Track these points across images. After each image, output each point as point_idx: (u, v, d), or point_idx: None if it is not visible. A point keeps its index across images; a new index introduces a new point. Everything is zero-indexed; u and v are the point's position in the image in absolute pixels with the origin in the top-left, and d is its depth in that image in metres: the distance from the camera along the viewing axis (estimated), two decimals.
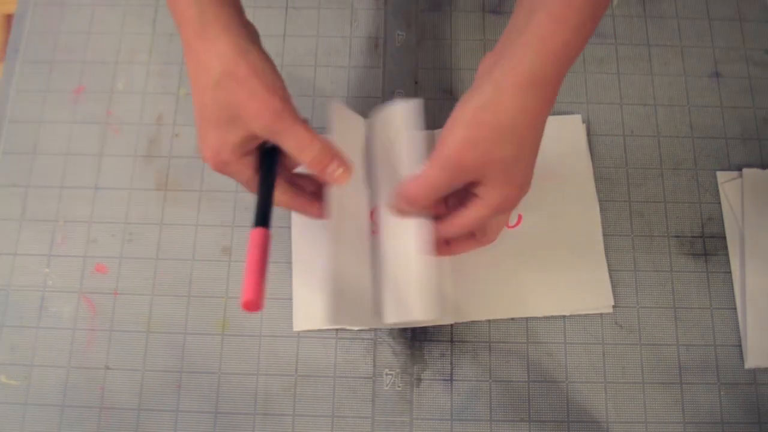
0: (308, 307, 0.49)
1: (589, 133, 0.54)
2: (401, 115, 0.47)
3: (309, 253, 0.50)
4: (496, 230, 0.45)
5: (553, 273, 0.49)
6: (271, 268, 0.50)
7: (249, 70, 0.38)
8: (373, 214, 0.49)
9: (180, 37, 0.40)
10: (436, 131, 0.53)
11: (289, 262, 0.50)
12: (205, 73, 0.38)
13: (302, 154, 0.39)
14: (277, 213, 0.51)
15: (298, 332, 0.49)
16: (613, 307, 0.49)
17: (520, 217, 0.51)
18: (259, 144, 0.40)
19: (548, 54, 0.38)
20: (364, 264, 0.48)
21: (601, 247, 0.50)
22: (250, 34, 0.41)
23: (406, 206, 0.44)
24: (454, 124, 0.40)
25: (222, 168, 0.40)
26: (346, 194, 0.46)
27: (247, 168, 0.40)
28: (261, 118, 0.38)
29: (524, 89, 0.39)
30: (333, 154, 0.40)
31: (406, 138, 0.46)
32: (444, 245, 0.46)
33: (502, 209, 0.42)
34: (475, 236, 0.46)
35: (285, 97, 0.39)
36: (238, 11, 0.41)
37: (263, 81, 0.38)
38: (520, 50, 0.39)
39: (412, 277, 0.43)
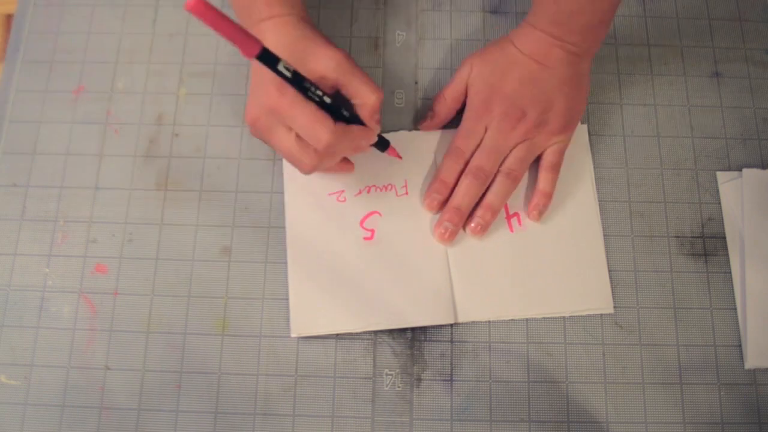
0: (305, 312, 0.49)
1: (589, 133, 0.54)
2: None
3: (304, 257, 0.50)
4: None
5: (554, 274, 0.49)
6: (270, 268, 0.50)
7: (315, 33, 0.44)
8: (364, 220, 0.50)
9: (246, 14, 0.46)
10: (442, 132, 0.53)
11: (287, 263, 0.50)
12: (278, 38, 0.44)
13: (366, 95, 0.43)
14: (272, 213, 0.51)
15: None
16: (613, 307, 0.49)
17: (520, 219, 0.51)
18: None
19: (550, 15, 0.47)
20: (358, 268, 0.49)
21: (601, 248, 0.50)
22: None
23: (438, 108, 0.53)
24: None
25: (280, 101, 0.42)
26: (335, 205, 0.50)
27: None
28: (334, 58, 0.43)
29: (526, 36, 0.49)
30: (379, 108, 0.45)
31: None
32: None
33: (506, 133, 0.49)
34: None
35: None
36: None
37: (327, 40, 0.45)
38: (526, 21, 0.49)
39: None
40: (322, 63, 0.43)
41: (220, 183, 0.52)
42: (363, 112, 0.44)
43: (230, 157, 0.53)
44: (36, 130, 0.54)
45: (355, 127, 0.44)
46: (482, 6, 0.58)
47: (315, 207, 0.51)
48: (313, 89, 0.41)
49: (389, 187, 0.51)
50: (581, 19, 0.47)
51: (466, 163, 0.50)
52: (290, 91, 0.41)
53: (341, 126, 0.42)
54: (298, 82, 0.40)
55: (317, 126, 0.41)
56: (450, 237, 0.49)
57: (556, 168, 0.50)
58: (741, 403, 0.47)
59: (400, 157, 0.51)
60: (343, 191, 0.51)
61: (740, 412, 0.47)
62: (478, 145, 0.50)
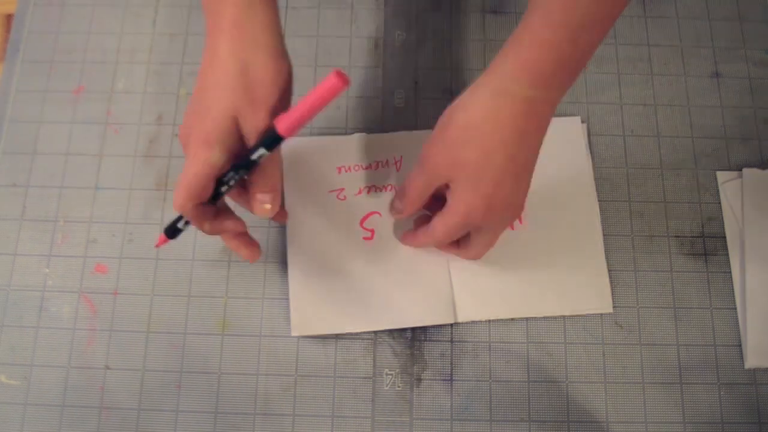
0: (306, 312, 0.49)
1: (589, 133, 0.54)
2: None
3: (305, 256, 0.50)
4: (477, 247, 0.45)
5: (553, 274, 0.49)
6: (270, 268, 0.50)
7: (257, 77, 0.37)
8: (364, 220, 0.50)
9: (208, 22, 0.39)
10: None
11: (287, 262, 0.50)
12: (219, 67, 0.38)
13: (265, 174, 0.39)
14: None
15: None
16: (613, 306, 0.49)
17: (521, 217, 0.51)
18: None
19: (523, 65, 0.38)
20: (358, 268, 0.49)
21: (601, 248, 0.50)
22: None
23: (399, 206, 0.46)
24: (435, 125, 0.41)
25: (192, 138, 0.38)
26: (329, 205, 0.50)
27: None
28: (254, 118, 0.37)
29: (498, 94, 0.38)
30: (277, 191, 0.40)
31: None
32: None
33: (468, 220, 0.41)
34: (459, 245, 0.46)
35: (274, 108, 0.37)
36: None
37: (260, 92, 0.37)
38: (499, 59, 0.39)
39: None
40: (249, 125, 0.37)
41: None
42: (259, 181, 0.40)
43: None
44: (36, 130, 0.54)
45: (228, 221, 0.41)
46: (482, 6, 0.58)
47: (315, 206, 0.51)
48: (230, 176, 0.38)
49: (389, 187, 0.51)
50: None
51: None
52: (199, 141, 0.37)
53: (210, 209, 0.40)
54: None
55: (180, 190, 0.38)
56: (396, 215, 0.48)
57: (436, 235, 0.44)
58: (741, 403, 0.48)
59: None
60: (343, 189, 0.51)
61: (740, 412, 0.47)
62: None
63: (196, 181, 0.37)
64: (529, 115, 0.39)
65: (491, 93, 0.39)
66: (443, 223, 0.43)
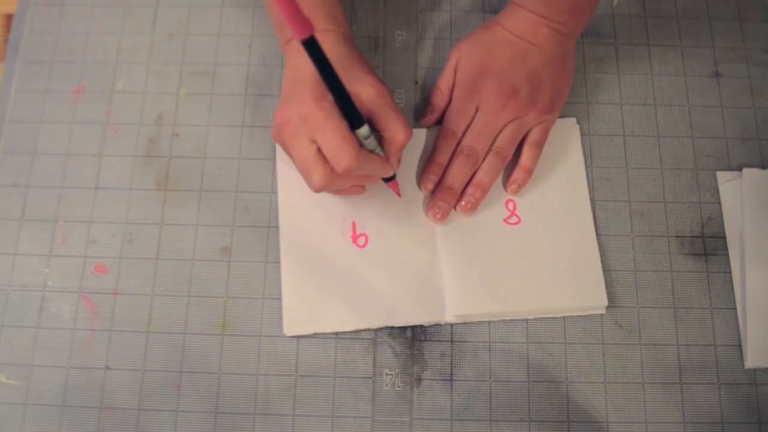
0: (298, 311, 0.49)
1: (589, 133, 0.54)
2: None
3: (297, 255, 0.50)
4: (519, 146, 0.51)
5: (546, 271, 0.49)
6: (270, 268, 0.50)
7: (360, 56, 0.46)
8: (356, 218, 0.50)
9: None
10: (428, 131, 0.54)
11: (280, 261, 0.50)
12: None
13: (398, 132, 0.43)
14: (272, 213, 0.51)
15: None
16: (613, 307, 0.49)
17: (518, 217, 0.51)
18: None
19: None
20: (350, 267, 0.49)
21: (594, 245, 0.50)
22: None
23: (434, 100, 0.52)
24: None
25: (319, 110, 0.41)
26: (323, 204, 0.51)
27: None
28: (376, 88, 0.42)
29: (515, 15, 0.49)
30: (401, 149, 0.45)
31: None
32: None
33: (497, 112, 0.48)
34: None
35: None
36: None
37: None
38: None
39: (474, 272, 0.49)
40: (363, 89, 0.42)
41: (220, 183, 0.52)
42: (390, 147, 0.44)
43: (230, 157, 0.53)
44: (36, 130, 0.54)
45: (376, 158, 0.43)
46: (482, 6, 0.58)
47: (308, 205, 0.51)
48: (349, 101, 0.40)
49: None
50: None
51: (458, 143, 0.50)
52: (326, 106, 0.40)
53: (365, 153, 0.41)
54: (338, 88, 0.39)
55: (343, 147, 0.40)
56: (443, 217, 0.49)
57: (540, 145, 0.51)
58: (741, 403, 0.47)
59: (400, 194, 0.50)
60: None
61: (740, 412, 0.47)
62: (469, 124, 0.50)
63: (341, 125, 0.40)
64: (543, 36, 0.49)
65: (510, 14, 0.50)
66: (480, 119, 0.49)
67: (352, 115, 0.40)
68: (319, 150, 0.41)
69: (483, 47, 0.50)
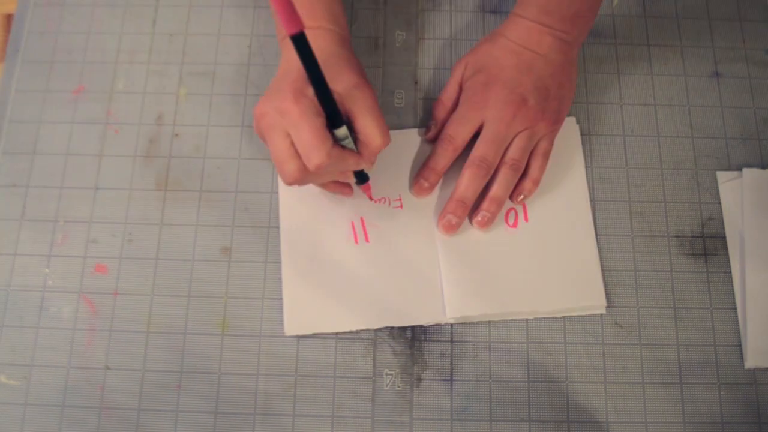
0: (299, 311, 0.49)
1: (589, 133, 0.54)
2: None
3: (298, 255, 0.50)
4: (532, 164, 0.50)
5: (546, 272, 0.49)
6: (270, 268, 0.50)
7: (351, 56, 0.46)
8: (357, 218, 0.50)
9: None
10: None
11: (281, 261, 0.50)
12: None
13: (374, 137, 0.42)
14: (272, 213, 0.51)
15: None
16: (613, 307, 0.49)
17: (518, 217, 0.51)
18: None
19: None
20: (350, 267, 0.49)
21: (593, 246, 0.50)
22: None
23: (437, 110, 0.52)
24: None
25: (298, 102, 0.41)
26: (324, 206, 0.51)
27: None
28: (356, 86, 0.42)
29: (519, 26, 0.49)
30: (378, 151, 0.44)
31: None
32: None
33: (507, 121, 0.48)
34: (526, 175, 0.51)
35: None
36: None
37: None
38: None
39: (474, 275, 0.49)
40: (343, 88, 0.41)
41: (220, 183, 0.52)
42: (364, 151, 0.43)
43: (230, 157, 0.53)
44: (36, 130, 0.54)
45: (349, 155, 0.42)
46: (482, 6, 0.58)
47: (308, 205, 0.51)
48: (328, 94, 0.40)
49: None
50: (570, 6, 0.47)
51: (456, 151, 0.49)
52: (305, 102, 0.40)
53: (337, 151, 0.41)
54: (321, 86, 0.38)
55: (315, 145, 0.40)
56: (453, 229, 0.49)
57: (547, 155, 0.51)
58: (741, 403, 0.48)
59: (372, 198, 0.51)
60: None
61: (740, 412, 0.47)
62: (474, 133, 0.49)
63: (316, 122, 0.40)
64: (550, 46, 0.49)
65: (515, 24, 0.50)
66: (489, 130, 0.48)
67: (332, 114, 0.40)
68: (293, 144, 0.41)
69: (489, 58, 0.50)
